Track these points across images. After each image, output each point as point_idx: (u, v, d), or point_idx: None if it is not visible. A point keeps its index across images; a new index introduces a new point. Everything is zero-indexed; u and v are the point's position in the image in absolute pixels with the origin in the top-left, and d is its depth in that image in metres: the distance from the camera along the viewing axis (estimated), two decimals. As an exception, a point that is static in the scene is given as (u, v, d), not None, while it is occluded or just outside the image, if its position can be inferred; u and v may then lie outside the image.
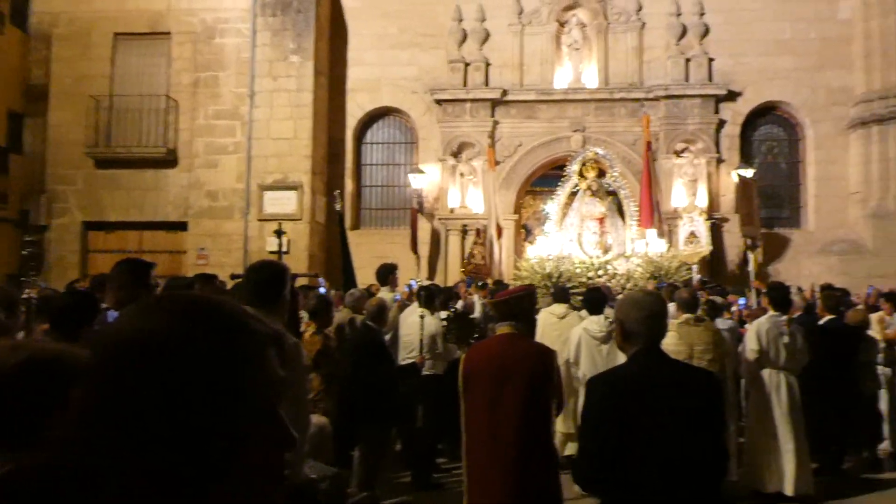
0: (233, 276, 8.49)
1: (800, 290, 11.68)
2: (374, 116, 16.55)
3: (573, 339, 6.55)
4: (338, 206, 13.69)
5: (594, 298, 6.90)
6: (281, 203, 15.03)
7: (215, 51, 15.31)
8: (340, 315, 7.97)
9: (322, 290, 9.43)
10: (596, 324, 6.62)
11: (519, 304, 3.82)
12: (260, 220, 14.92)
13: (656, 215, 12.88)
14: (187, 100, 15.27)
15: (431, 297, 7.05)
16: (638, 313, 2.68)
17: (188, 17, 15.39)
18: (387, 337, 6.84)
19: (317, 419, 4.76)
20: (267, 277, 3.06)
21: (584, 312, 6.97)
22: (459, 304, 9.15)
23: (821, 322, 7.15)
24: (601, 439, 2.54)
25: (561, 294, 7.43)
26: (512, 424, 3.48)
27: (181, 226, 15.23)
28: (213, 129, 15.24)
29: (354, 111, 16.19)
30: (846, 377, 6.96)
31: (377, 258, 13.52)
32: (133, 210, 15.31)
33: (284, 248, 13.49)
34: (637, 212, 12.42)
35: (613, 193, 12.67)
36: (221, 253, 14.65)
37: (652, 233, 12.18)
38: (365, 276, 12.69)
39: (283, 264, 3.23)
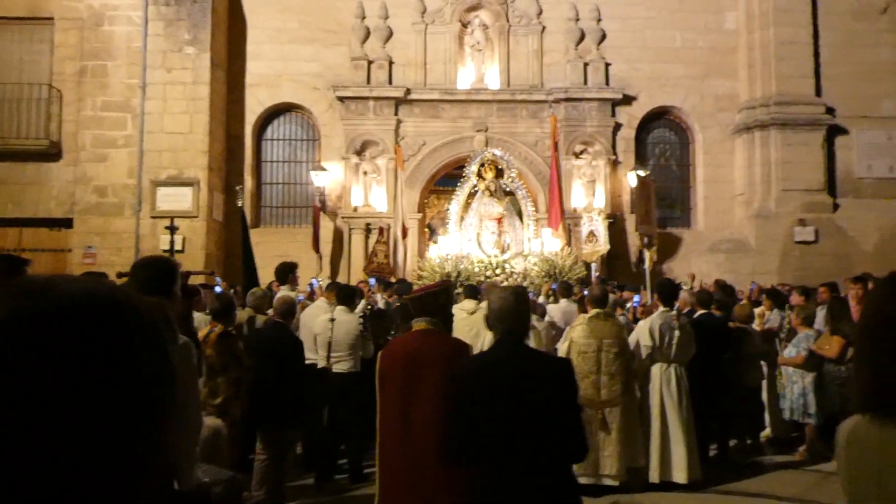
0: (119, 275, 8.17)
1: (690, 286, 12.17)
2: (275, 112, 16.29)
3: (484, 333, 6.63)
4: (240, 203, 13.33)
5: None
6: (176, 200, 14.50)
7: (103, 39, 14.63)
8: (241, 314, 7.82)
9: (218, 288, 9.17)
10: None
11: (435, 300, 3.85)
12: (153, 217, 14.38)
13: (562, 214, 13.27)
14: (72, 90, 14.55)
15: (350, 295, 7.04)
16: (495, 307, 2.98)
17: (72, 3, 14.69)
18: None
19: (210, 421, 4.59)
20: (153, 274, 2.89)
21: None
22: (362, 304, 9.02)
23: (695, 317, 7.46)
24: (461, 419, 2.74)
25: (471, 291, 7.66)
26: (426, 420, 3.47)
27: (66, 223, 14.52)
28: (101, 122, 14.58)
29: (254, 106, 15.87)
30: (718, 370, 7.30)
31: (278, 257, 13.34)
32: (11, 206, 14.51)
33: (179, 246, 13.03)
34: (534, 212, 12.88)
35: (511, 194, 12.88)
36: (110, 252, 14.02)
37: (547, 232, 12.38)
38: (266, 275, 12.43)
39: (171, 260, 3.05)
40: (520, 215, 12.53)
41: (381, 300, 9.39)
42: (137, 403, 0.65)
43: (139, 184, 14.47)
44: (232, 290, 9.74)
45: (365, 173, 15.69)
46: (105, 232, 14.35)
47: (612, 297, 7.76)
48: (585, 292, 7.18)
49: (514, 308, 2.96)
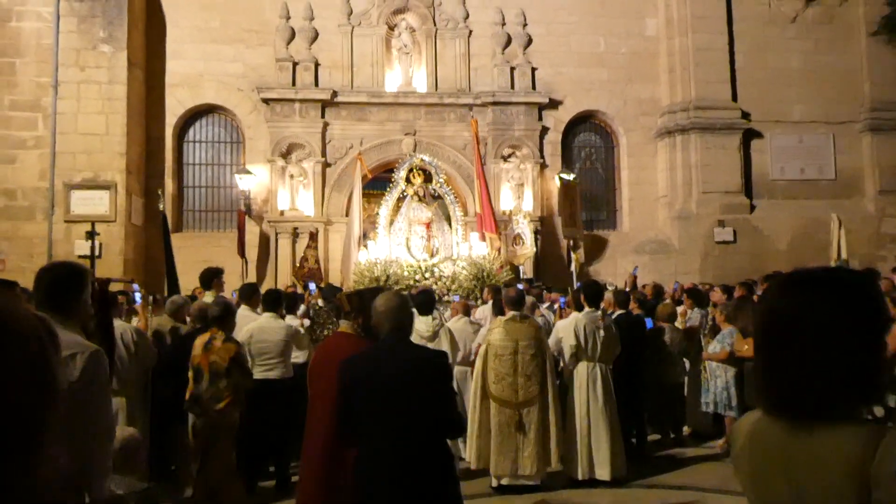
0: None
1: (614, 286, 12.46)
2: (197, 113, 16.02)
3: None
4: (161, 207, 12.94)
5: (423, 301, 7.17)
6: (92, 203, 14.03)
7: (11, 35, 14.09)
8: (158, 321, 7.58)
9: (137, 295, 8.94)
10: (424, 324, 6.90)
11: (359, 300, 4.00)
12: (67, 221, 13.96)
13: (494, 219, 13.50)
14: (-24, 89, 13.81)
15: (277, 300, 6.93)
16: (381, 309, 3.36)
17: (-24, -2, 13.90)
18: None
19: (125, 431, 4.42)
20: (59, 280, 2.75)
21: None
22: (301, 309, 8.84)
23: (613, 316, 7.64)
24: (346, 404, 3.22)
25: (424, 301, 7.59)
26: (322, 429, 3.71)
27: (-29, 228, 13.74)
28: (9, 122, 14.05)
29: (174, 107, 15.55)
30: (638, 368, 7.50)
31: (201, 262, 13.31)
32: (-90, 210, 13.68)
33: (97, 253, 12.55)
34: (462, 216, 13.06)
35: (440, 198, 13.05)
36: (21, 257, 13.46)
37: (474, 236, 12.54)
38: (187, 282, 12.44)
39: (80, 265, 2.91)
40: (448, 220, 12.69)
41: (322, 302, 9.37)
42: (6, 416, 0.64)
43: (52, 187, 14.02)
44: (152, 298, 9.43)
45: (291, 176, 15.58)
46: (14, 237, 13.84)
47: (529, 299, 7.90)
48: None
49: (397, 309, 3.34)
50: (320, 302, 9.84)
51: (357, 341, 3.89)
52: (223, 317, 5.56)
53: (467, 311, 8.34)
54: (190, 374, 5.46)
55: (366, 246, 13.13)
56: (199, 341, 5.52)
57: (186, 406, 5.39)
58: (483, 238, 13.06)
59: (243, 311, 7.11)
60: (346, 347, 3.78)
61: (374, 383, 3.18)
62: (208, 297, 7.72)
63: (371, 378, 3.19)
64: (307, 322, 8.38)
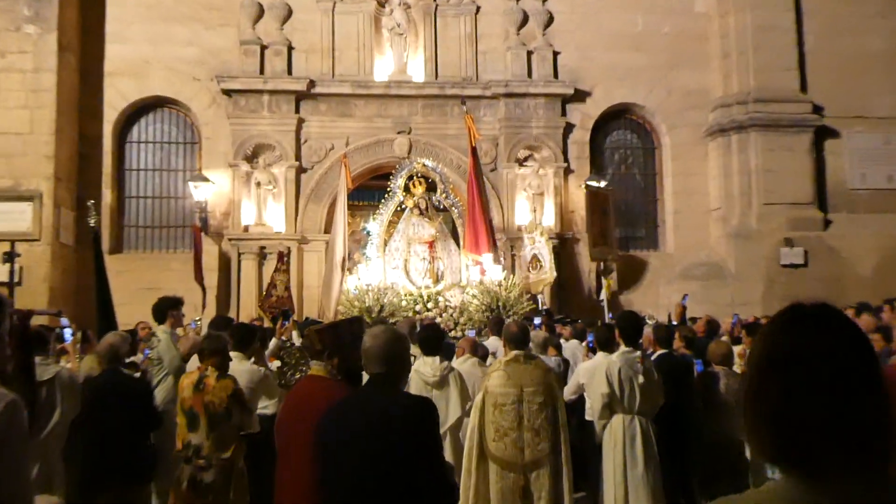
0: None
1: (654, 319, 12.62)
2: (143, 108, 16.53)
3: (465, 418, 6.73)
4: (92, 222, 13.15)
5: (429, 336, 7.13)
6: (11, 218, 14.35)
7: (-86, 15, 14.41)
8: (89, 363, 7.70)
9: (67, 331, 9.00)
10: (429, 366, 6.83)
11: (351, 332, 4.04)
12: (-20, 241, 14.07)
13: (489, 237, 13.57)
14: None
15: (248, 337, 7.10)
16: (366, 345, 3.45)
17: None
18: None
19: (44, 500, 4.65)
20: None
21: (414, 350, 7.19)
22: (272, 346, 9.13)
23: (652, 357, 7.60)
24: (322, 471, 3.30)
25: (430, 340, 7.45)
26: (297, 479, 3.73)
27: None
28: (-89, 119, 14.33)
29: (115, 101, 16.06)
30: (686, 421, 7.46)
31: (147, 290, 13.69)
32: None
33: (16, 278, 12.89)
34: (465, 233, 13.31)
35: (446, 211, 13.50)
36: (-79, 284, 13.58)
37: (488, 258, 12.85)
38: (129, 313, 12.66)
39: None
40: (456, 238, 13.16)
41: (297, 338, 9.54)
42: None
43: (-40, 198, 14.21)
44: (81, 334, 9.54)
45: (258, 184, 16.04)
46: (-86, 259, 13.93)
47: (539, 334, 8.03)
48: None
49: (385, 346, 3.41)
50: (294, 336, 9.99)
51: (331, 387, 3.93)
52: (218, 350, 5.83)
53: (476, 350, 8.37)
54: (181, 419, 5.72)
55: (350, 270, 13.54)
56: (188, 381, 5.75)
57: (182, 456, 5.65)
58: (497, 260, 13.50)
59: (238, 361, 7.25)
60: (319, 395, 3.81)
61: (342, 442, 3.22)
62: (161, 333, 8.01)
63: (339, 435, 3.24)
64: (278, 363, 8.48)
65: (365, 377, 3.59)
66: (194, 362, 6.98)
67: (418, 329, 8.27)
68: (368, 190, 17.02)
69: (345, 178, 14.38)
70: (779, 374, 1.50)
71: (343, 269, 13.63)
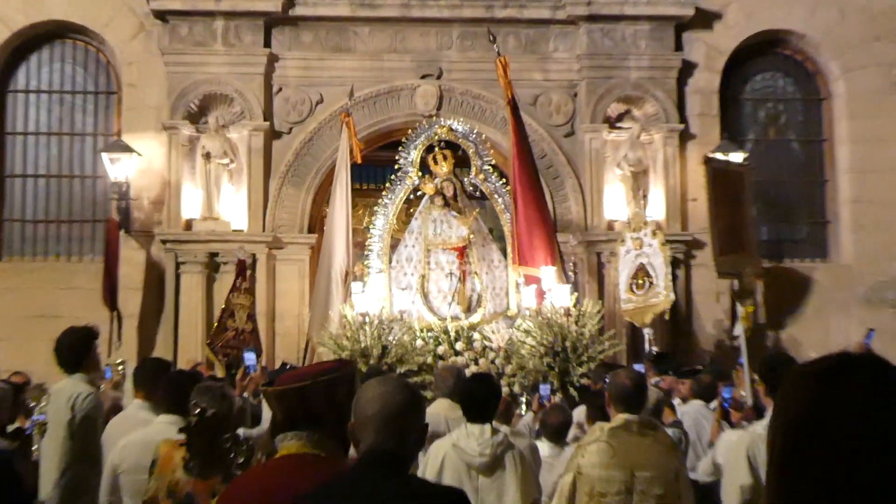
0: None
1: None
2: (33, 41, 16.51)
3: (432, 460, 6.72)
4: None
5: (477, 394, 7.04)
6: None
7: None
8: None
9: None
10: (475, 439, 6.76)
11: (325, 395, 3.93)
12: None
13: (550, 241, 13.40)
14: None
15: (186, 392, 6.85)
16: (360, 403, 3.42)
17: None
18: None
19: None
20: None
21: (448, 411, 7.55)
22: (237, 401, 8.71)
23: None
24: None
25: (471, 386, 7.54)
26: None
27: None
28: None
29: (-7, 29, 16.40)
30: None
31: (37, 319, 14.11)
32: None
33: None
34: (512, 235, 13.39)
35: (484, 199, 13.62)
36: None
37: (549, 273, 12.72)
38: (11, 354, 13.04)
39: None
40: (503, 245, 13.22)
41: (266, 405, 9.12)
42: None
43: None
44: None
45: (207, 157, 15.86)
46: None
47: (653, 392, 8.13)
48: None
49: (384, 410, 3.36)
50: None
51: (320, 468, 3.82)
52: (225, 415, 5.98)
53: (511, 415, 8.68)
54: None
55: (346, 290, 13.53)
56: (176, 454, 5.78)
57: None
58: (561, 278, 13.31)
59: (136, 412, 7.41)
60: (280, 486, 3.75)
61: None
62: (73, 384, 7.73)
63: None
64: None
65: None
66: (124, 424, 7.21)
67: (462, 380, 8.24)
68: (377, 166, 17.08)
69: (347, 146, 14.29)
70: (810, 447, 1.67)
71: (346, 286, 13.62)
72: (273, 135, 15.86)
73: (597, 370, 10.18)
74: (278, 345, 15.30)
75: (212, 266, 15.51)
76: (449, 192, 12.70)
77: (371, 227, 13.75)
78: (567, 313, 12.28)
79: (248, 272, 14.67)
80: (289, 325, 15.44)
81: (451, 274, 12.62)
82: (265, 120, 15.72)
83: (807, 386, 1.73)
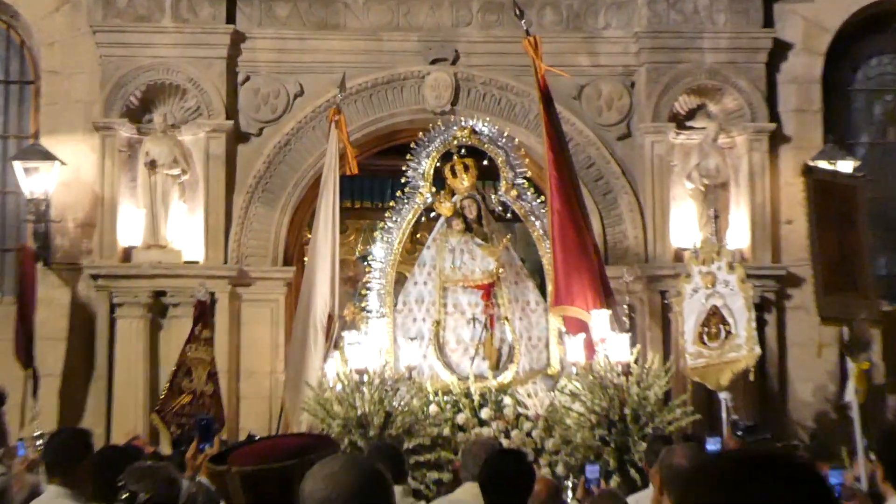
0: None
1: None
2: None
3: None
4: None
5: (504, 475, 7.01)
6: None
7: None
8: None
9: None
10: None
11: (267, 487, 4.00)
12: None
13: (598, 278, 13.38)
14: None
15: (109, 473, 6.76)
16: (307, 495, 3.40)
17: None
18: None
19: None
20: None
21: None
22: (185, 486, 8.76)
23: None
24: None
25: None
26: None
27: None
28: None
29: None
30: None
31: None
32: None
33: None
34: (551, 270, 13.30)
35: (516, 221, 13.64)
36: None
37: (602, 318, 12.54)
38: None
39: None
40: (540, 281, 13.26)
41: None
42: None
43: None
44: None
45: (152, 166, 15.79)
46: None
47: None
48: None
49: (330, 497, 3.37)
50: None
51: None
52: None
53: (557, 498, 8.62)
54: None
55: (334, 342, 13.48)
56: None
57: None
58: (616, 324, 13.23)
59: (51, 502, 7.32)
60: None
61: None
62: None
63: None
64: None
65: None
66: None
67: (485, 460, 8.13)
68: (375, 178, 17.27)
69: (336, 152, 14.21)
70: None
71: (330, 336, 13.57)
72: (238, 137, 15.86)
73: (651, 445, 10.00)
74: (244, 411, 15.27)
75: (157, 309, 15.51)
76: (472, 214, 12.69)
77: (369, 258, 13.73)
78: (626, 371, 12.17)
79: (208, 317, 14.66)
80: (258, 385, 15.39)
81: (474, 320, 12.59)
82: (228, 118, 15.72)
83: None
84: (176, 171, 15.63)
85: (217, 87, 15.75)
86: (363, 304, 13.58)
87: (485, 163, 13.01)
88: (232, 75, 15.88)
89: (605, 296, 13.11)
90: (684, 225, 15.99)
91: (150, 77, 15.71)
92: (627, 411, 11.79)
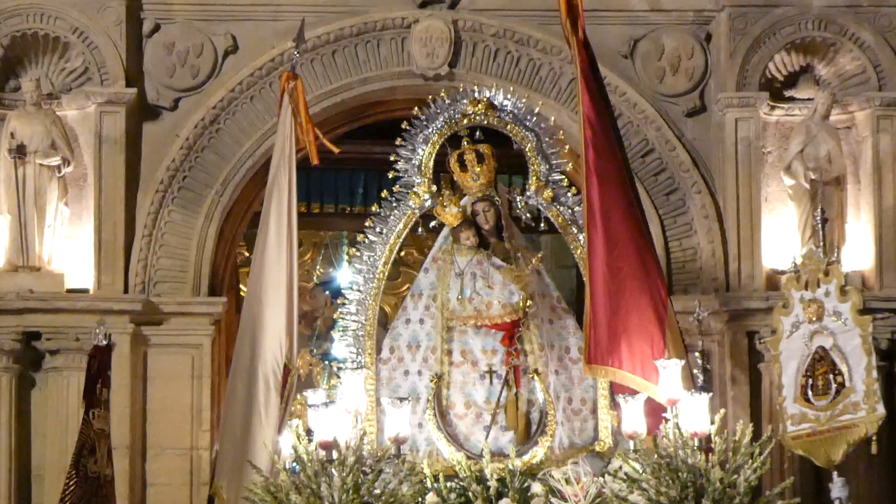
0: None
1: None
2: None
3: None
4: None
5: None
6: None
7: None
8: None
9: None
10: None
11: None
12: None
13: (645, 316, 13.16)
14: None
15: None
16: None
17: None
18: None
19: None
20: None
21: None
22: None
23: None
24: None
25: None
26: None
27: None
28: None
29: None
30: None
31: None
32: None
33: None
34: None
35: (552, 232, 13.99)
36: None
37: (672, 368, 12.43)
38: None
39: None
40: (578, 314, 13.29)
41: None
42: None
43: None
44: None
45: (20, 152, 16.12)
46: None
47: None
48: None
49: None
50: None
51: None
52: None
53: None
54: None
55: (288, 402, 13.71)
56: None
57: None
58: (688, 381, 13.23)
59: None
60: None
61: None
62: None
63: None
64: None
65: None
66: None
67: None
68: (338, 171, 17.59)
69: (291, 132, 14.25)
70: None
71: (286, 395, 13.74)
72: (144, 113, 16.16)
73: None
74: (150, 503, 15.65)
75: (28, 358, 15.75)
76: (488, 223, 12.76)
77: (336, 284, 14.01)
78: (707, 447, 12.19)
79: (105, 371, 14.31)
80: (173, 466, 15.57)
81: (490, 373, 12.58)
82: (129, 85, 15.97)
83: None
84: (55, 161, 15.84)
85: (113, 40, 15.95)
86: (323, 350, 13.69)
87: (505, 147, 13.13)
88: (134, 24, 16.11)
89: (664, 338, 12.88)
90: (782, 238, 16.23)
91: (14, 26, 15.93)
92: (711, 497, 11.76)
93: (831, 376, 14.07)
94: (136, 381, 15.70)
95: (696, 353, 14.44)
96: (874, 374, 13.93)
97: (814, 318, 14.18)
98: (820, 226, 15.39)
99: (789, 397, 14.32)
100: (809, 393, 14.24)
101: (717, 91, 16.26)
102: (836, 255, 15.52)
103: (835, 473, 13.91)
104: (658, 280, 13.33)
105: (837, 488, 14.25)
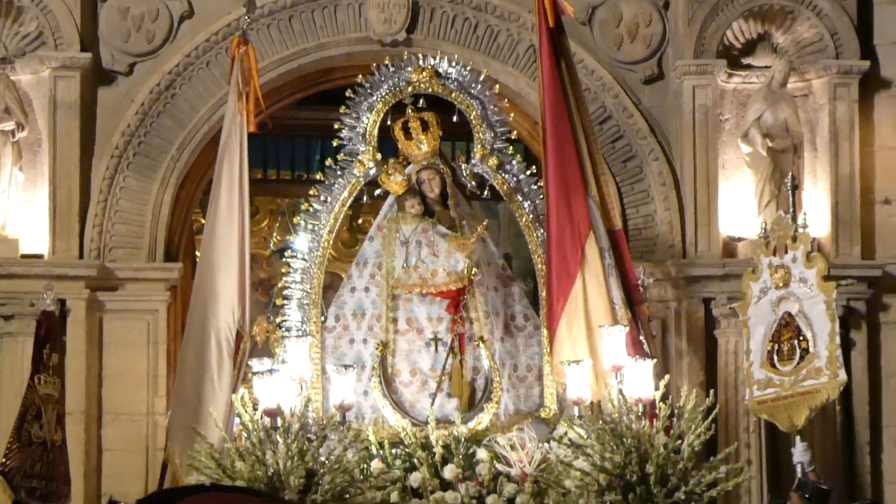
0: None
1: None
2: None
3: None
4: None
5: None
6: None
7: None
8: None
9: None
10: None
11: None
12: None
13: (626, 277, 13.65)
14: None
15: None
16: None
17: None
18: None
19: None
20: None
21: None
22: None
23: None
24: None
25: None
26: None
27: None
28: None
29: None
30: None
31: None
32: None
33: None
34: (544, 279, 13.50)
35: (498, 200, 14.32)
36: None
37: (617, 336, 12.73)
38: None
39: None
40: (532, 281, 13.55)
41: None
42: None
43: None
44: None
45: None
46: None
47: None
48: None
49: None
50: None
51: None
52: None
53: None
54: None
55: (242, 370, 13.85)
56: None
57: None
58: (648, 349, 13.60)
59: None
60: None
61: None
62: None
63: None
64: None
65: None
66: None
67: None
68: (295, 137, 17.72)
69: (242, 100, 14.49)
70: None
71: (239, 362, 13.88)
72: (99, 78, 16.21)
73: None
74: (108, 469, 15.56)
75: (-24, 325, 16.16)
76: (433, 191, 12.90)
77: (287, 253, 14.08)
78: (651, 413, 12.38)
79: (58, 336, 14.58)
80: (129, 431, 15.64)
81: (435, 341, 12.77)
82: (84, 50, 16.01)
83: None
84: (9, 126, 15.93)
85: (67, 4, 15.99)
86: (280, 319, 13.76)
87: (454, 119, 13.22)
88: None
89: (634, 303, 13.42)
90: (739, 205, 16.37)
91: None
92: (651, 469, 11.88)
93: (796, 342, 14.21)
94: (92, 346, 15.79)
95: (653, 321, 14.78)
96: (837, 340, 14.01)
97: (780, 284, 14.38)
98: (790, 192, 15.46)
99: (756, 363, 14.52)
100: (775, 358, 14.38)
101: (674, 58, 16.38)
102: (804, 220, 15.43)
103: (797, 438, 14.13)
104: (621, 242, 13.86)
105: (799, 452, 14.42)
